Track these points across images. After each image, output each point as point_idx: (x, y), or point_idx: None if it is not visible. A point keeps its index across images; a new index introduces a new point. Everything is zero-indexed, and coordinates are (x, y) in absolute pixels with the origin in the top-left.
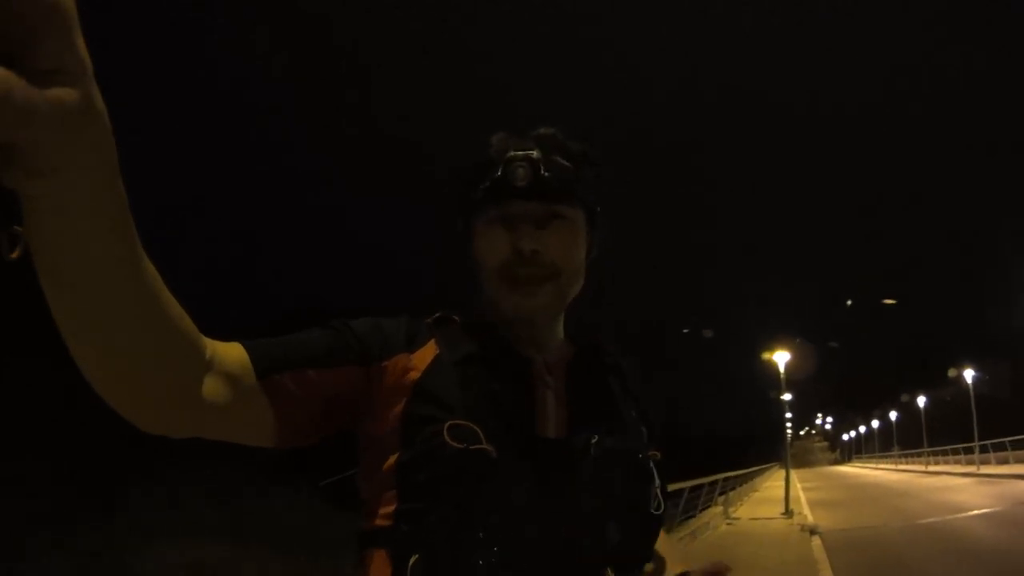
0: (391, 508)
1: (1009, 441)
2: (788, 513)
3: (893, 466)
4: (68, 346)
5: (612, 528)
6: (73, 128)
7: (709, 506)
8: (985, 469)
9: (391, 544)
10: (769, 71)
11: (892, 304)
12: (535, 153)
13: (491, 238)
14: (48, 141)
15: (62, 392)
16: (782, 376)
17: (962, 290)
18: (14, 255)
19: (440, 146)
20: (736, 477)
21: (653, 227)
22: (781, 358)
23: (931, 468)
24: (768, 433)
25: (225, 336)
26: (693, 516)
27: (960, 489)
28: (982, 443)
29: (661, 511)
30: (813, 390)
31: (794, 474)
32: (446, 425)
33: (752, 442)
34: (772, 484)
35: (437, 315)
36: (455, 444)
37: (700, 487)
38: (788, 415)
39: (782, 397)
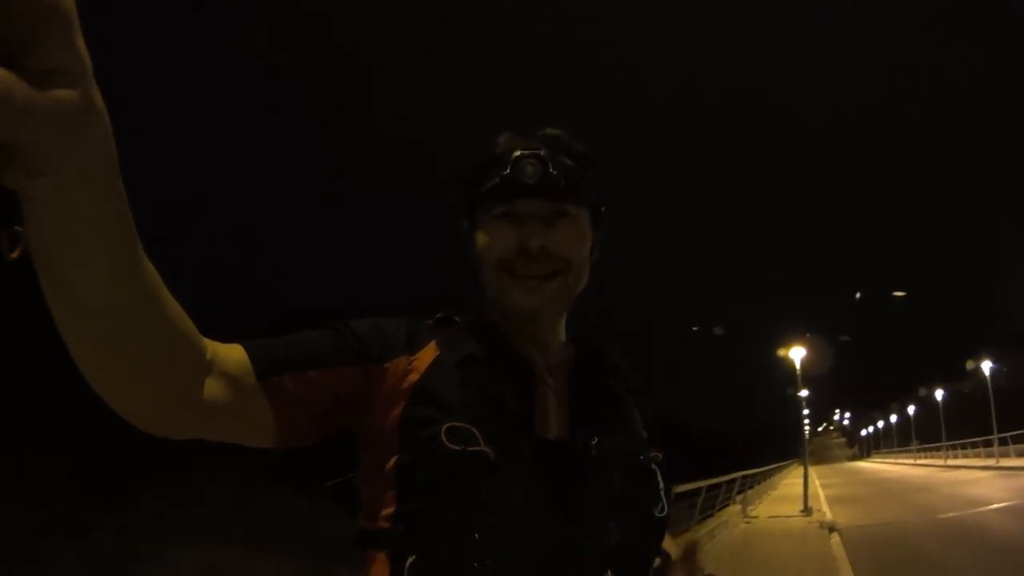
0: (391, 509)
1: None
2: (807, 510)
3: (912, 461)
4: (68, 347)
5: (612, 530)
6: (73, 128)
7: (727, 505)
8: (1005, 462)
9: (390, 545)
10: (769, 71)
11: (902, 296)
12: (543, 152)
13: (498, 234)
14: (48, 141)
15: (70, 393)
16: (798, 372)
17: (975, 282)
18: (14, 255)
19: (440, 146)
20: (754, 475)
21: (655, 227)
22: (797, 354)
23: (950, 462)
24: (785, 430)
25: (225, 336)
26: (711, 515)
27: (980, 483)
28: (1001, 436)
29: (664, 513)
30: (830, 386)
31: (812, 471)
32: (444, 427)
33: (769, 439)
34: (790, 481)
35: (438, 315)
36: (452, 446)
37: (718, 486)
38: (805, 411)
39: (799, 394)
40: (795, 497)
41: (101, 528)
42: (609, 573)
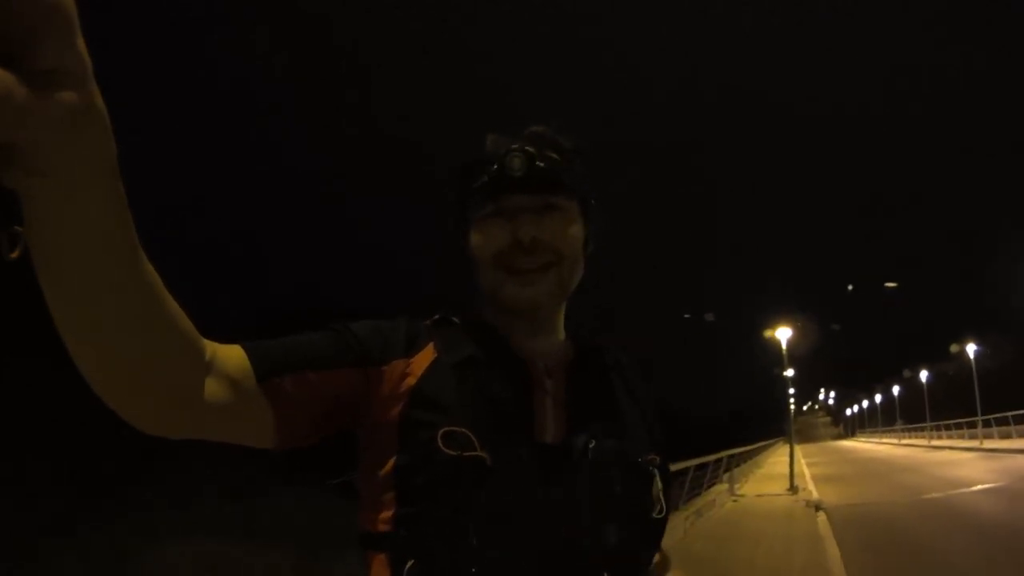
0: (390, 512)
1: (1012, 416)
2: (793, 489)
3: (896, 441)
4: (67, 347)
5: (610, 532)
6: (73, 128)
7: (714, 484)
8: (988, 444)
9: (390, 549)
10: (768, 71)
11: (894, 287)
12: (530, 148)
13: (490, 229)
14: (48, 141)
15: (68, 393)
16: (784, 352)
17: (963, 268)
18: (14, 255)
19: (440, 146)
20: (740, 454)
21: (653, 225)
22: (783, 334)
23: (934, 443)
24: (771, 409)
25: (225, 337)
26: (699, 494)
27: (964, 464)
28: (985, 417)
29: (663, 515)
30: (815, 366)
31: (798, 449)
32: (440, 431)
33: (755, 418)
34: (777, 460)
35: (436, 316)
36: (448, 451)
37: (705, 465)
38: (791, 391)
39: (785, 373)
40: (781, 476)
41: (100, 527)
42: (606, 575)
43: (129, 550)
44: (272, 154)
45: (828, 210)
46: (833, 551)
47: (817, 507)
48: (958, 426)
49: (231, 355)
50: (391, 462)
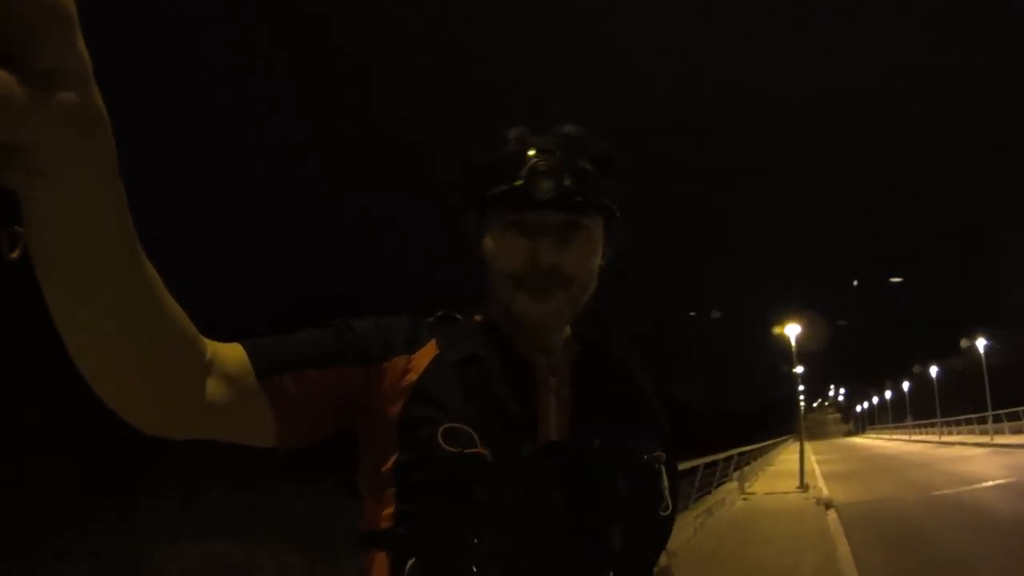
0: (390, 509)
1: (1023, 410)
2: (803, 487)
3: (907, 437)
4: (67, 347)
5: (615, 531)
6: (73, 128)
7: (724, 482)
8: (999, 439)
9: (390, 547)
10: (768, 70)
11: (900, 281)
12: (557, 157)
13: (508, 244)
14: (48, 141)
15: (73, 395)
16: (794, 349)
17: (971, 262)
18: (14, 255)
19: (439, 146)
20: (750, 452)
21: (656, 224)
22: (792, 331)
23: (945, 438)
24: (781, 406)
25: (225, 336)
26: (708, 493)
27: (975, 459)
28: (995, 413)
29: (669, 513)
30: (825, 362)
31: (808, 446)
32: (440, 428)
33: (765, 416)
34: (787, 457)
35: (439, 314)
36: (448, 448)
37: (714, 463)
38: (801, 388)
39: (795, 370)
40: (791, 473)
41: (107, 528)
42: (611, 575)
43: (139, 551)
44: (272, 155)
45: (835, 206)
46: (844, 549)
47: (828, 505)
48: (968, 421)
49: (231, 354)
50: (392, 459)
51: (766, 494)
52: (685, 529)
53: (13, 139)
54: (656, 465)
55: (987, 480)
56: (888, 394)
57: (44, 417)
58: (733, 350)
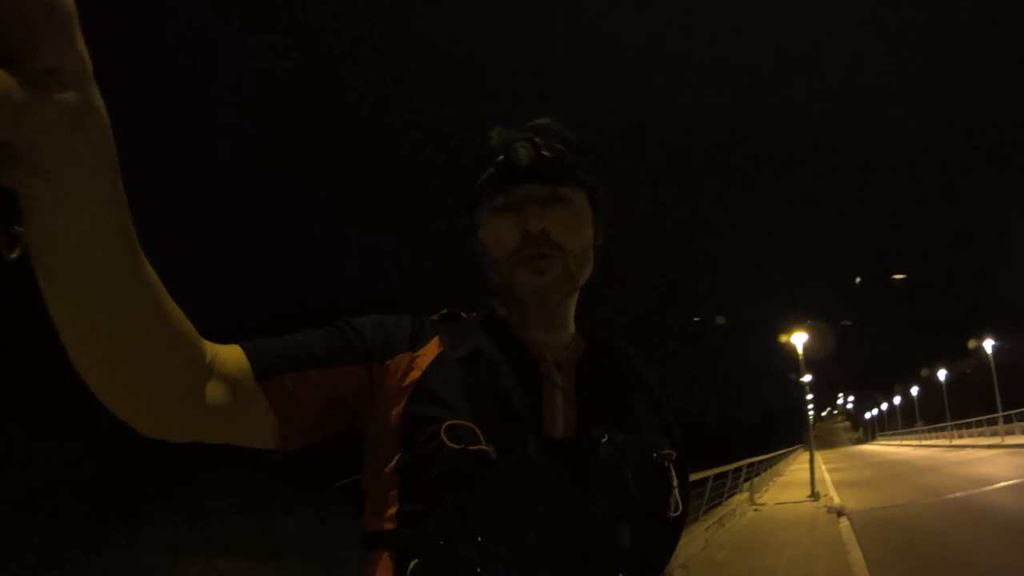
0: (394, 509)
1: None
2: (814, 496)
3: (917, 442)
4: (67, 349)
5: (624, 531)
6: (73, 128)
7: (735, 493)
8: (1010, 440)
9: (394, 547)
10: (766, 69)
11: (902, 279)
12: (532, 134)
13: (500, 225)
14: (48, 141)
15: (80, 412)
16: (800, 357)
17: (976, 264)
18: (14, 255)
19: (438, 145)
20: (760, 462)
21: (659, 229)
22: (799, 339)
23: (956, 442)
24: (790, 416)
25: (225, 338)
26: (719, 504)
27: (986, 461)
28: (1006, 413)
29: (679, 513)
30: (833, 370)
31: (818, 455)
32: (443, 425)
33: (774, 426)
34: (797, 467)
35: (443, 311)
36: (452, 445)
37: (724, 474)
38: (809, 396)
39: (802, 379)
40: (802, 482)
41: (115, 545)
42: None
43: (144, 566)
44: (271, 155)
45: (841, 210)
46: (857, 556)
47: (839, 513)
48: (979, 424)
49: (231, 355)
50: (395, 459)
51: (777, 504)
52: (696, 540)
53: (13, 139)
54: (666, 463)
55: (999, 481)
56: (897, 400)
57: (48, 436)
58: (739, 359)
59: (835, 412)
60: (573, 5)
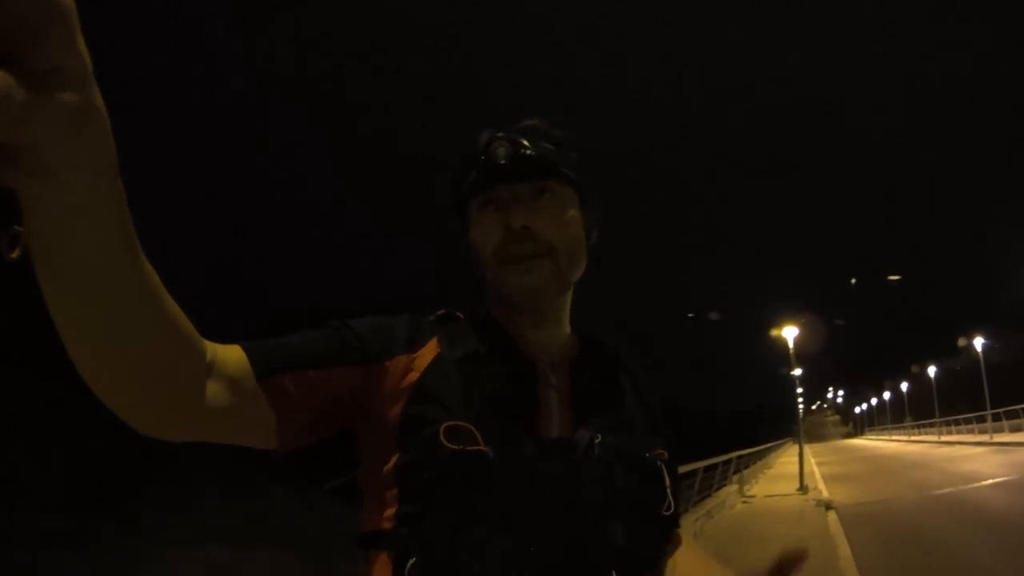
0: (392, 510)
1: (1022, 408)
2: (803, 489)
3: (906, 437)
4: (67, 348)
5: (617, 530)
6: (73, 128)
7: (724, 485)
8: (998, 438)
9: (391, 547)
10: (763, 68)
11: (898, 279)
12: (514, 134)
13: (484, 223)
14: (48, 141)
15: (67, 403)
16: (791, 351)
17: (968, 261)
18: (14, 255)
19: (437, 146)
20: (750, 455)
21: (655, 225)
22: (790, 333)
23: (944, 438)
24: (780, 409)
25: (224, 338)
26: (708, 496)
27: (974, 459)
28: (994, 411)
29: (671, 512)
30: (823, 364)
31: (807, 449)
32: (442, 426)
33: (764, 419)
34: (786, 460)
35: (440, 312)
36: (450, 446)
37: (714, 466)
38: (799, 390)
39: (793, 372)
40: (791, 475)
41: (106, 538)
42: (614, 574)
43: (140, 558)
44: (272, 155)
45: (834, 206)
46: (844, 550)
47: (828, 506)
48: (968, 421)
49: (231, 355)
50: (393, 460)
51: (766, 496)
52: (685, 532)
53: (13, 139)
54: (657, 463)
55: (986, 479)
56: (887, 395)
57: (42, 428)
58: (730, 352)
59: (825, 406)
60: (573, 5)
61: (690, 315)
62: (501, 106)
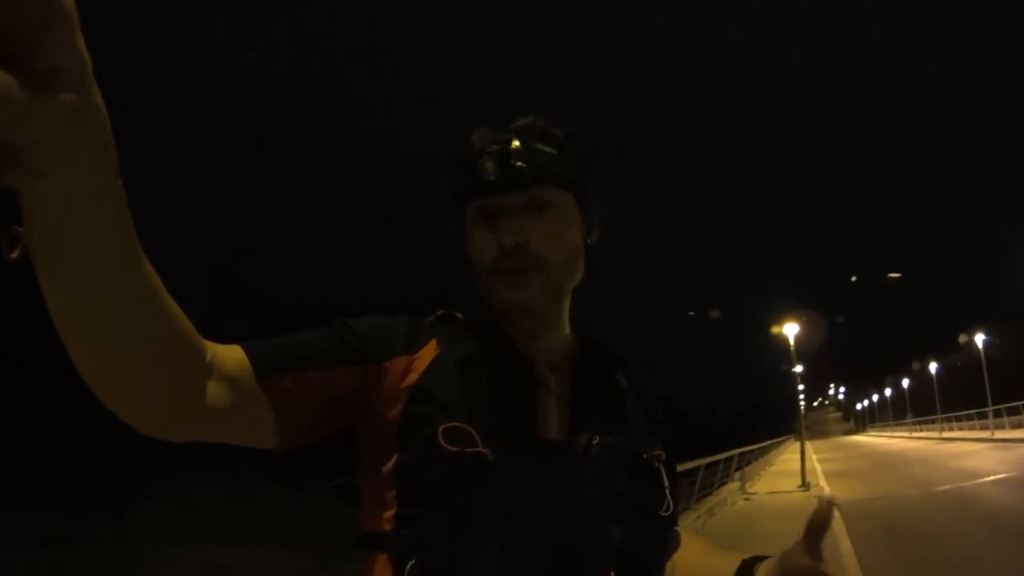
0: (391, 511)
1: (1023, 405)
2: (805, 486)
3: (908, 434)
4: (67, 348)
5: (615, 531)
6: (73, 128)
7: (725, 482)
8: (1000, 434)
9: (391, 548)
10: (759, 67)
11: (898, 277)
12: (512, 144)
13: (477, 238)
14: (48, 141)
15: (65, 402)
16: (792, 348)
17: (969, 257)
18: (14, 255)
19: (434, 145)
20: (751, 452)
21: (654, 224)
22: (791, 330)
23: (946, 435)
24: (781, 406)
25: (224, 338)
26: (710, 493)
27: (976, 455)
28: (996, 408)
29: (670, 513)
30: (824, 361)
31: (809, 445)
32: (441, 428)
33: (765, 415)
34: (787, 457)
35: (440, 313)
36: (449, 447)
37: (716, 464)
38: (801, 387)
39: (794, 369)
40: (793, 472)
41: (104, 537)
42: (612, 574)
43: (140, 558)
44: (271, 156)
45: (834, 204)
46: (846, 546)
47: (830, 503)
48: (969, 417)
49: (230, 355)
50: (392, 461)
51: (768, 493)
52: (687, 529)
53: (13, 139)
54: (655, 464)
55: (988, 475)
56: (888, 392)
57: (39, 427)
58: (731, 349)
59: (826, 403)
60: (573, 5)
61: (691, 313)
62: (501, 106)
